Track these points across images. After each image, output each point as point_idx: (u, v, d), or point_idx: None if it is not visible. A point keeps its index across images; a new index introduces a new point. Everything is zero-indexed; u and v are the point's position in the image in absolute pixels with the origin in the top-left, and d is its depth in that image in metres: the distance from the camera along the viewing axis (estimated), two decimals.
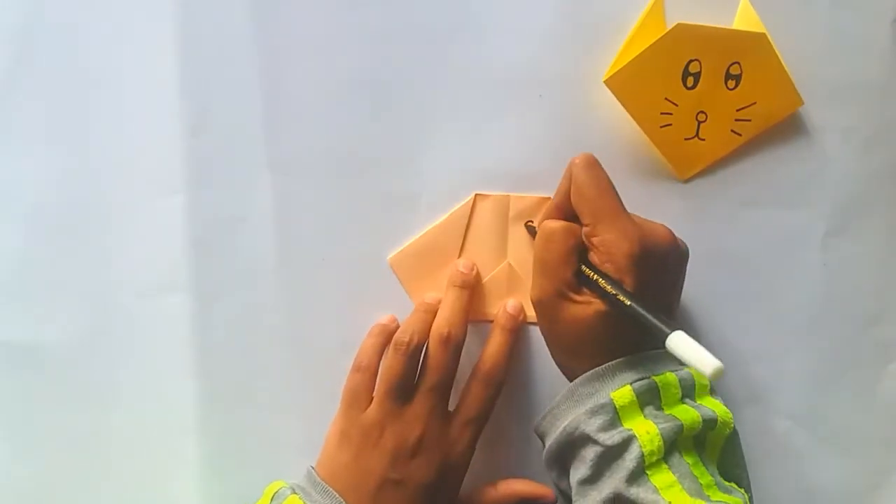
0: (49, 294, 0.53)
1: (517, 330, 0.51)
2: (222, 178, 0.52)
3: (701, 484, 0.42)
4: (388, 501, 0.46)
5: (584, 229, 0.45)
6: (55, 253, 0.52)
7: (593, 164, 0.45)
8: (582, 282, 0.45)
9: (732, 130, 0.51)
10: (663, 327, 0.40)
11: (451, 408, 0.49)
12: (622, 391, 0.43)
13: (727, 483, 0.44)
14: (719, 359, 0.38)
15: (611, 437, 0.42)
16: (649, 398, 0.43)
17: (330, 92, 0.51)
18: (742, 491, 0.45)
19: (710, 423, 0.43)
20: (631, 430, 0.42)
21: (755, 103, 0.50)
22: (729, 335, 0.52)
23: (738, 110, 0.50)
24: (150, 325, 0.52)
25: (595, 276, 0.44)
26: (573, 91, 0.51)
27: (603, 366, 0.44)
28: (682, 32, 0.48)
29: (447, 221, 0.52)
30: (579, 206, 0.45)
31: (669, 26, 0.49)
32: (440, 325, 0.48)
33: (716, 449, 0.45)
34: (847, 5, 0.50)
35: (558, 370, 0.48)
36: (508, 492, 0.50)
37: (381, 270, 0.52)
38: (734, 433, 0.45)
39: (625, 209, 0.45)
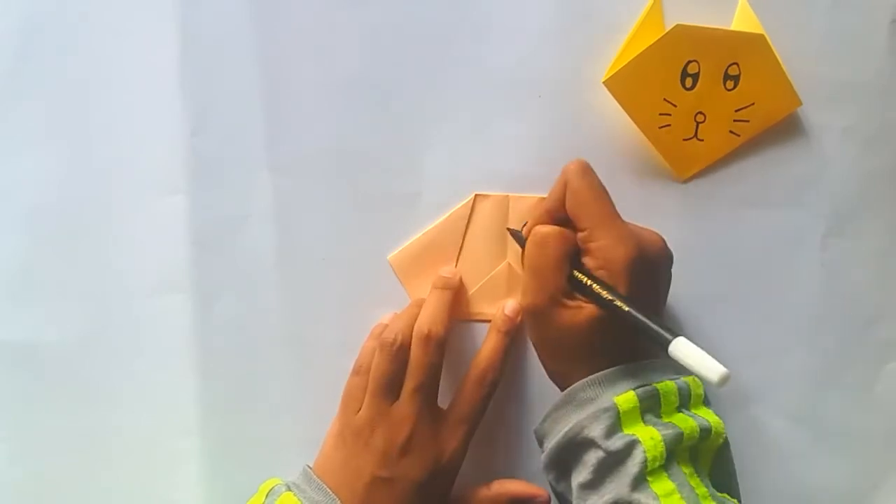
0: (49, 294, 0.53)
1: (513, 332, 0.51)
2: (222, 178, 0.52)
3: (697, 494, 0.41)
4: (379, 499, 0.46)
5: (580, 234, 0.45)
6: (55, 253, 0.52)
7: (588, 170, 0.45)
8: (574, 287, 0.45)
9: (731, 131, 0.51)
10: (665, 334, 0.40)
11: (445, 408, 0.49)
12: (626, 396, 0.42)
13: (720, 494, 0.44)
14: (720, 361, 0.38)
15: (614, 443, 0.42)
16: (650, 405, 0.43)
17: (330, 92, 0.51)
18: (735, 501, 0.44)
19: (705, 432, 0.43)
20: (634, 435, 0.42)
21: (754, 104, 0.50)
22: (728, 335, 0.52)
23: (736, 111, 0.51)
24: (150, 325, 0.52)
25: (589, 282, 0.43)
26: (572, 92, 0.51)
27: (602, 372, 0.44)
28: (681, 33, 0.48)
29: (447, 221, 0.52)
30: (575, 211, 0.45)
31: (668, 27, 0.49)
32: (421, 324, 0.48)
33: (708, 460, 0.45)
34: (847, 5, 0.51)
35: None
36: (501, 491, 0.50)
37: (381, 270, 0.52)
38: (725, 443, 0.45)
39: (619, 215, 0.45)
